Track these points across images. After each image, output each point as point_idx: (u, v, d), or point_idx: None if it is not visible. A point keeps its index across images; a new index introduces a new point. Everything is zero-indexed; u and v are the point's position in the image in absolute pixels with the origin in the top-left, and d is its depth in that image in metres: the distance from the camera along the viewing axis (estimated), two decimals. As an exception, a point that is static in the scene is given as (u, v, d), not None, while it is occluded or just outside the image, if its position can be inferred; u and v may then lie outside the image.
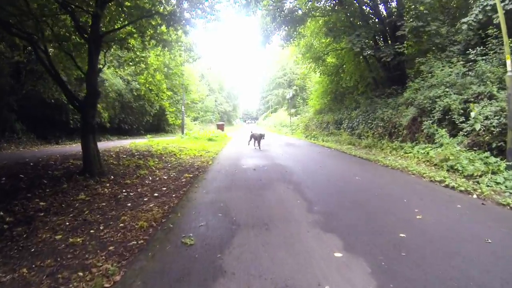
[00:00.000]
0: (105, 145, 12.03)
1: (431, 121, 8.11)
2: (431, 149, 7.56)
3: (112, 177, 5.97)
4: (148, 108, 18.77)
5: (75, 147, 11.41)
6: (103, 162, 7.22)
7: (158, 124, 21.66)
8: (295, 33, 15.78)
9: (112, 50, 9.26)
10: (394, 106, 10.92)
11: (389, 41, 13.34)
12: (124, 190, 4.99)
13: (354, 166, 7.04)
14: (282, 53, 28.35)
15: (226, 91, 56.02)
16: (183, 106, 15.29)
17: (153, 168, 6.77)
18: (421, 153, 7.75)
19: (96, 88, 6.20)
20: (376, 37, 14.43)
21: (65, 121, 13.32)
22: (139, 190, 4.96)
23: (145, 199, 4.37)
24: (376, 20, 14.53)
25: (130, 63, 9.36)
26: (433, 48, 10.97)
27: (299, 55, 17.80)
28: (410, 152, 8.29)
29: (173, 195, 4.50)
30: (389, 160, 7.59)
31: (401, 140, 9.31)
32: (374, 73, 14.64)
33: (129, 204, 4.16)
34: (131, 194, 4.75)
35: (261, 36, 15.29)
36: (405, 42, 12.52)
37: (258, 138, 10.60)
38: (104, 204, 4.16)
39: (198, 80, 34.96)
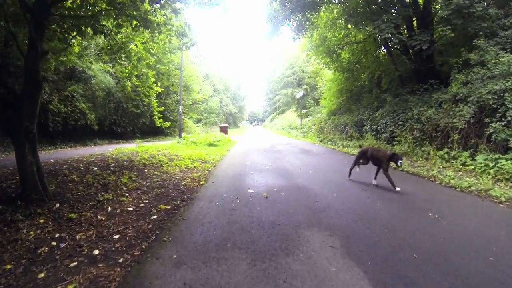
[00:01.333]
0: (85, 151, 10.27)
1: (501, 123, 6.03)
2: (506, 161, 5.47)
3: (57, 204, 4.10)
4: (143, 109, 17.00)
5: (52, 154, 9.65)
6: (62, 178, 5.38)
7: (156, 127, 19.83)
8: (307, 23, 13.83)
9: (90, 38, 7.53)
10: (435, 104, 8.84)
11: (416, 30, 11.24)
12: (57, 235, 3.11)
13: (410, 189, 4.81)
14: (290, 49, 26.42)
15: (231, 92, 54.31)
16: (180, 106, 13.44)
17: (123, 189, 4.86)
18: (490, 166, 5.66)
19: (37, 76, 4.33)
20: (404, 24, 12.37)
21: (44, 123, 11.60)
22: (78, 236, 3.05)
23: (71, 265, 2.44)
24: (402, 5, 12.47)
25: (108, 52, 7.52)
26: (480, 33, 8.94)
27: (312, 49, 15.81)
28: (470, 165, 6.21)
29: (119, 259, 2.54)
30: (449, 176, 5.52)
31: (451, 147, 7.22)
32: (401, 67, 12.54)
33: (41, 275, 2.23)
34: (61, 245, 2.85)
35: (269, 26, 13.36)
36: (440, 29, 10.48)
37: (381, 159, 4.89)
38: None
39: (201, 80, 33.26)
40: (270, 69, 48.05)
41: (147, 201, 4.24)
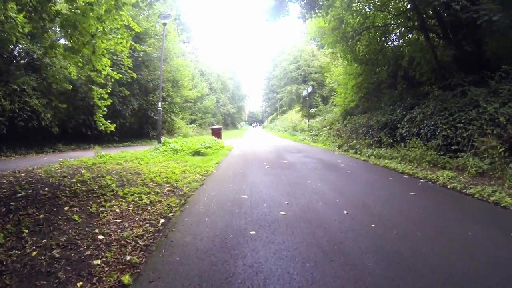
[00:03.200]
0: (26, 162, 7.45)
1: None
2: None
3: None
4: (120, 106, 14.06)
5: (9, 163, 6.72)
6: None
7: (139, 129, 16.95)
8: (321, -1, 10.97)
9: None
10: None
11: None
12: None
13: None
14: (294, 42, 23.59)
15: (230, 92, 51.42)
16: (159, 103, 10.51)
17: None
18: None
19: None
20: None
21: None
22: None
23: None
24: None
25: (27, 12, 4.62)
26: None
27: (324, 35, 12.94)
28: None
29: None
30: None
31: None
32: (447, 52, 9.66)
33: None
34: None
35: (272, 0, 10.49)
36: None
37: None
38: None
39: (193, 74, 30.34)
40: (271, 65, 45.30)
41: None
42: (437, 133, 7.82)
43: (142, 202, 3.89)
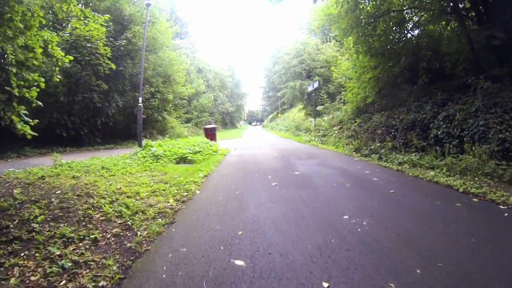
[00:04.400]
0: None
1: None
2: None
3: None
4: (100, 104, 12.28)
5: None
6: None
7: (126, 128, 15.17)
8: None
9: None
10: None
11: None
12: None
13: None
14: (297, 35, 21.83)
15: (228, 90, 49.64)
16: (140, 98, 8.76)
17: None
18: None
19: None
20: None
21: None
22: None
23: None
24: None
25: None
26: None
27: (335, 21, 11.19)
28: None
29: None
30: None
31: None
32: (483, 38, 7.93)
33: None
34: None
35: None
36: None
37: None
38: None
39: (191, 73, 28.53)
40: (271, 61, 43.57)
41: None
42: (490, 135, 6.11)
43: (56, 268, 2.16)
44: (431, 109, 8.48)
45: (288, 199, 3.97)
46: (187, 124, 24.09)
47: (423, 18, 10.68)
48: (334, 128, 12.15)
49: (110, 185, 4.75)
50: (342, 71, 17.40)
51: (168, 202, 3.67)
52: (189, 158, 7.04)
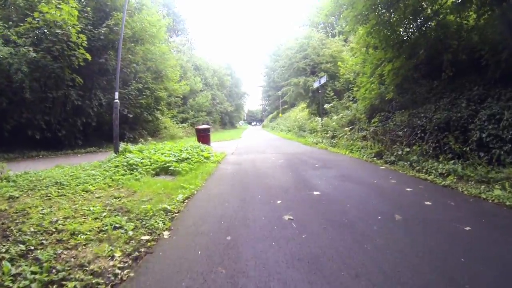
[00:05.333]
0: None
1: None
2: None
3: None
4: (79, 102, 10.81)
5: None
6: None
7: (112, 130, 13.65)
8: None
9: None
10: None
11: None
12: None
13: None
14: (299, 29, 20.39)
15: (227, 89, 48.18)
16: (116, 93, 7.29)
17: None
18: None
19: None
20: None
21: None
22: None
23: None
24: None
25: None
26: None
27: (348, 6, 9.74)
28: None
29: None
30: None
31: None
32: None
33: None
34: None
35: None
36: None
37: None
38: None
39: (187, 70, 27.03)
40: (271, 60, 42.14)
41: None
42: None
43: None
44: (466, 107, 7.03)
45: (315, 257, 2.36)
46: (183, 124, 22.62)
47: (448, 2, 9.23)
48: (345, 128, 10.69)
49: (49, 212, 3.30)
50: (350, 66, 15.96)
51: (112, 259, 2.19)
52: (171, 168, 5.56)
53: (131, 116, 12.63)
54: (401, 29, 10.25)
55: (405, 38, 10.36)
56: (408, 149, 6.80)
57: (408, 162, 6.30)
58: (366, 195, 4.13)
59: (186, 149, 7.14)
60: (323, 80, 13.02)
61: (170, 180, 4.94)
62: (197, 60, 34.99)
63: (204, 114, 27.33)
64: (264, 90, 62.35)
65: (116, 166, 5.61)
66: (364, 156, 7.77)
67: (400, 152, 6.76)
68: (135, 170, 5.37)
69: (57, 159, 9.45)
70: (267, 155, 9.25)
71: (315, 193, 4.28)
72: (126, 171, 5.32)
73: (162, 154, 6.42)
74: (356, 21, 9.95)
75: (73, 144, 11.85)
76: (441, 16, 9.25)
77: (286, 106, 40.10)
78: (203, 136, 10.42)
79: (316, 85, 14.40)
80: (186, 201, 3.86)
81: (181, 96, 20.43)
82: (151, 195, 3.88)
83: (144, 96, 13.17)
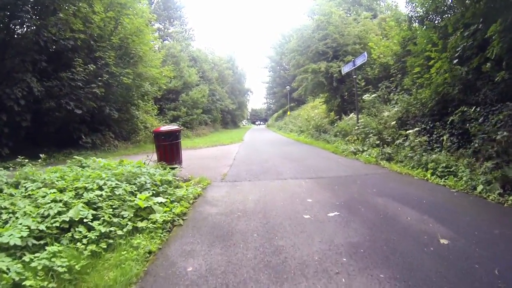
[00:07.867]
0: None
1: None
2: None
3: None
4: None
5: None
6: None
7: (64, 130, 9.82)
8: None
9: None
10: None
11: None
12: None
13: None
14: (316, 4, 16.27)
15: (229, 85, 44.09)
16: None
17: None
18: None
19: None
20: None
21: None
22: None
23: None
24: None
25: None
26: None
27: None
28: None
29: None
30: None
31: None
32: None
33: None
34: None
35: None
36: None
37: None
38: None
39: (181, 60, 23.06)
40: (277, 52, 38.19)
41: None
42: None
43: None
44: None
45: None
46: (172, 123, 18.64)
47: None
48: (409, 131, 6.61)
49: None
50: (382, 47, 11.90)
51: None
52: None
53: (79, 112, 8.66)
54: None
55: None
56: None
57: None
58: None
59: (115, 186, 3.06)
60: (359, 61, 8.96)
61: None
62: (194, 51, 31.05)
63: (200, 112, 23.30)
64: (268, 87, 58.16)
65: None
66: (480, 190, 3.68)
67: None
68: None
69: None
70: (291, 186, 4.95)
71: None
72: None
73: (74, 188, 2.44)
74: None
75: (40, 150, 7.67)
76: None
77: (293, 104, 36.01)
78: (168, 147, 5.65)
79: (346, 69, 10.29)
80: None
81: (165, 87, 16.42)
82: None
83: (101, 82, 9.18)
